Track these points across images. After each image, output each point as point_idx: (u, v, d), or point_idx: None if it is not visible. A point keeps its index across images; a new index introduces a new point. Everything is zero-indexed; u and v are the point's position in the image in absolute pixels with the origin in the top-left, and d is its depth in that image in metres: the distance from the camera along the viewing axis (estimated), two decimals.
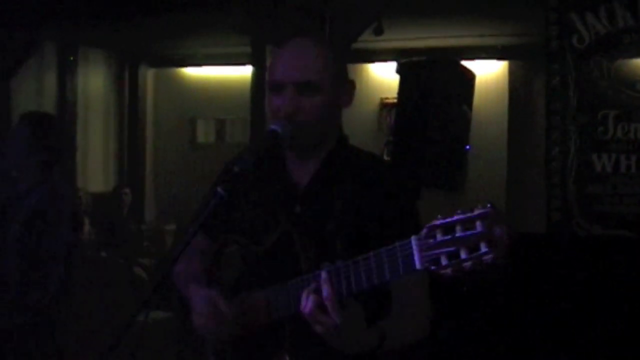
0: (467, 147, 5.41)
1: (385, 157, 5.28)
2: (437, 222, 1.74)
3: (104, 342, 2.06)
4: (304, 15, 4.93)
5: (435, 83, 5.14)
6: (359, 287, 1.92)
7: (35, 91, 9.45)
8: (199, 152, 10.83)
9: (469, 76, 5.43)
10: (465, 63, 8.38)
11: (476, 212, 1.69)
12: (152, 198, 11.27)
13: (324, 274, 1.95)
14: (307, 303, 1.96)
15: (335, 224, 2.26)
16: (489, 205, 1.69)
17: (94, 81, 10.64)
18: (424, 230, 1.76)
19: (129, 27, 8.85)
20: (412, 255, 1.78)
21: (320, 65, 2.29)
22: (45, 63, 9.57)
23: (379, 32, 5.85)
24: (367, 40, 7.48)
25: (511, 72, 9.53)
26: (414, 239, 1.78)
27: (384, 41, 8.49)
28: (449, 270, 1.71)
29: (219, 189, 2.10)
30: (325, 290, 1.93)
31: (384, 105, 9.20)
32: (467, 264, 1.68)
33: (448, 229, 1.72)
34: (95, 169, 10.66)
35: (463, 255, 1.69)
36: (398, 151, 5.21)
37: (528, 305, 4.82)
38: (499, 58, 9.52)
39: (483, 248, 1.66)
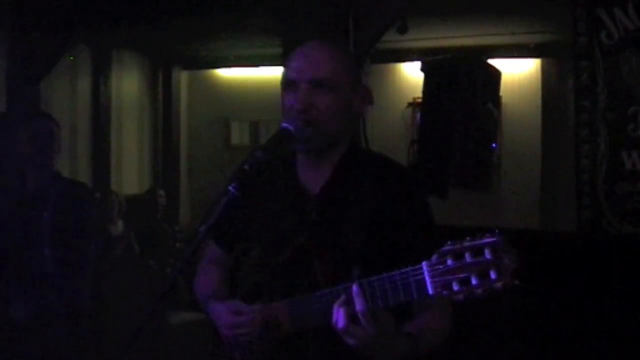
0: (494, 145, 5.37)
1: (411, 157, 5.23)
2: (447, 247, 1.82)
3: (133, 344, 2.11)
4: (327, 14, 4.92)
5: (459, 81, 5.12)
6: (385, 303, 1.96)
7: (69, 94, 9.50)
8: (233, 154, 10.83)
9: (495, 74, 5.39)
10: (497, 62, 8.38)
11: (484, 240, 1.78)
12: (187, 200, 11.31)
13: (355, 288, 1.96)
14: (339, 316, 1.98)
15: (351, 232, 2.27)
16: (496, 231, 1.79)
17: (127, 84, 10.68)
18: (435, 256, 1.83)
19: (161, 30, 8.87)
20: (424, 280, 1.85)
21: (334, 65, 2.33)
22: (78, 66, 9.61)
23: (402, 30, 5.82)
24: (398, 40, 7.45)
25: (544, 70, 9.43)
26: (425, 265, 1.85)
27: (416, 40, 8.48)
28: (460, 296, 1.80)
29: (230, 187, 2.10)
30: (359, 303, 1.95)
31: (411, 104, 9.13)
32: (478, 290, 1.78)
33: (458, 254, 1.80)
34: (129, 171, 10.71)
35: (474, 281, 1.78)
36: (423, 150, 5.19)
37: (557, 303, 4.77)
38: (532, 56, 9.42)
39: (492, 275, 1.76)
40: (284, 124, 2.26)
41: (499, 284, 1.76)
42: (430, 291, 1.83)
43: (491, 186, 5.31)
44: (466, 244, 1.80)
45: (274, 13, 5.86)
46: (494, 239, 1.77)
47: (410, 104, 8.58)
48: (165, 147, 11.26)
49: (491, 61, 7.41)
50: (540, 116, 9.37)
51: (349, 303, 1.97)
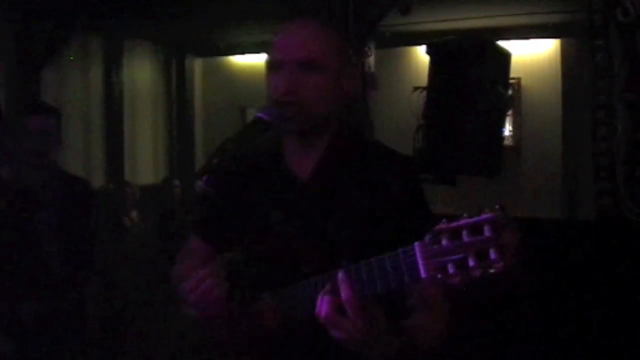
0: (504, 129, 5.16)
1: (417, 143, 5.03)
2: (442, 226, 1.63)
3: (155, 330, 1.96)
4: None
5: (466, 63, 4.90)
6: (372, 290, 1.78)
7: (81, 84, 9.38)
8: None
9: (504, 55, 5.17)
10: (516, 43, 8.14)
11: (483, 215, 1.58)
12: None
13: (341, 274, 1.80)
14: (323, 306, 1.82)
15: (340, 220, 2.14)
16: (497, 207, 1.59)
17: (140, 73, 10.53)
18: (428, 236, 1.65)
19: (174, 17, 8.74)
20: (416, 262, 1.66)
21: (321, 45, 2.20)
22: (90, 56, 9.48)
23: (404, 11, 5.60)
24: (413, 22, 7.27)
25: (564, 50, 9.18)
26: (417, 245, 1.66)
27: (431, 23, 8.29)
28: (456, 279, 1.60)
29: (201, 183, 2.00)
30: (345, 290, 1.78)
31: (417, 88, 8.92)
32: (476, 272, 1.58)
33: (454, 233, 1.61)
34: (144, 161, 10.59)
35: (471, 262, 1.58)
36: (430, 136, 4.98)
37: (575, 293, 4.60)
38: (551, 37, 9.17)
39: (492, 255, 1.56)
40: (260, 114, 2.13)
41: (499, 265, 1.56)
42: (423, 274, 1.65)
43: (501, 173, 5.08)
44: (462, 221, 1.60)
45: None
46: (493, 215, 1.57)
47: (416, 88, 8.38)
48: (180, 135, 11.14)
49: (510, 42, 7.22)
50: (560, 98, 9.11)
51: (334, 291, 1.81)
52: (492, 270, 1.56)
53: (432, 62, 4.98)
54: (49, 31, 6.72)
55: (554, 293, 4.64)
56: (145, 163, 10.64)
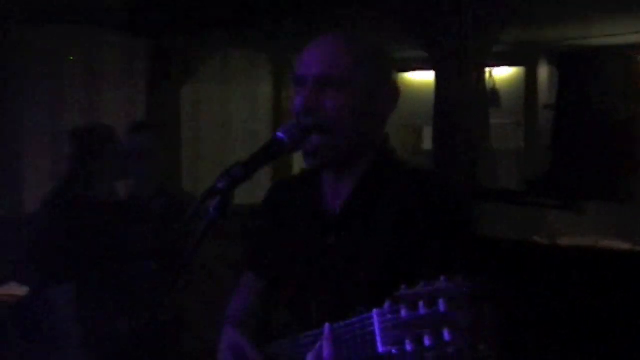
0: None
1: (543, 165, 4.64)
2: (402, 292, 1.49)
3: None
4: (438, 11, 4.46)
5: (601, 78, 4.46)
6: (349, 356, 1.66)
7: (250, 100, 9.45)
8: (424, 160, 10.43)
9: None
10: None
11: (437, 285, 1.46)
12: None
13: (326, 331, 1.68)
14: None
15: (365, 261, 1.92)
16: (457, 274, 1.47)
17: None
18: (387, 304, 1.51)
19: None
20: (374, 333, 1.53)
21: (347, 60, 1.98)
22: (259, 72, 9.54)
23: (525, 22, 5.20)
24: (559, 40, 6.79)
25: None
26: (375, 314, 1.53)
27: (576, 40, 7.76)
28: (412, 358, 1.46)
29: (210, 209, 1.82)
30: (326, 349, 1.67)
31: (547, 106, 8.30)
32: (430, 353, 1.44)
33: (412, 303, 1.47)
34: None
35: (427, 341, 1.44)
36: (557, 158, 4.57)
37: None
38: None
39: (446, 335, 1.42)
40: (279, 133, 1.92)
41: (450, 349, 1.41)
42: (380, 348, 1.50)
43: (632, 199, 4.58)
44: (420, 289, 1.46)
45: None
46: (448, 286, 1.44)
47: (547, 106, 7.85)
48: None
49: None
50: None
51: (321, 352, 1.69)
52: (447, 354, 1.42)
53: (562, 76, 4.56)
54: (185, 48, 6.75)
55: None
56: None
